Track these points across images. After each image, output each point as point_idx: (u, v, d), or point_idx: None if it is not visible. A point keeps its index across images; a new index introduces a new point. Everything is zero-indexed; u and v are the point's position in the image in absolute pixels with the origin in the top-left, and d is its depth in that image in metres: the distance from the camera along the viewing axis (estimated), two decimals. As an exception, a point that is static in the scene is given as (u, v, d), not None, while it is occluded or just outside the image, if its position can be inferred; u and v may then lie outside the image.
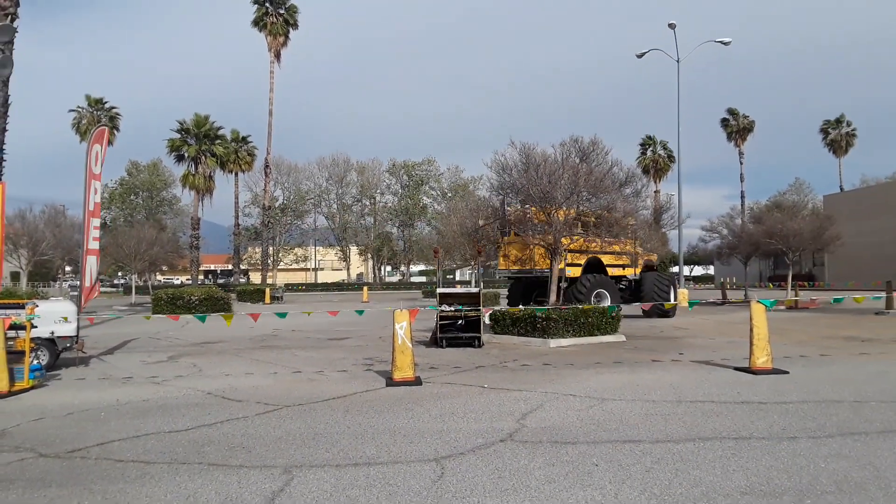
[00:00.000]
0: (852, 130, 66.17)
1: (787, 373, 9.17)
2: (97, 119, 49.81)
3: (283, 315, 12.13)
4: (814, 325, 17.18)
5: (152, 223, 55.40)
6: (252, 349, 13.50)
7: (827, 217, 30.74)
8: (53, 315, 10.56)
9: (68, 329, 10.82)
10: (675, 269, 33.52)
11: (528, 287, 21.25)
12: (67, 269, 57.36)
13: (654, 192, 60.23)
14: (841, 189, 62.95)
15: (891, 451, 5.22)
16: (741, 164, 64.71)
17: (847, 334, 14.81)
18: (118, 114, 52.24)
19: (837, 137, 65.74)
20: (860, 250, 38.08)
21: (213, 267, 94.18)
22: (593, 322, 13.74)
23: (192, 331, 17.84)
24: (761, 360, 9.36)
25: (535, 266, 19.68)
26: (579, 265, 20.37)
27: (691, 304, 14.33)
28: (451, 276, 76.38)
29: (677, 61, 32.69)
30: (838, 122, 66.09)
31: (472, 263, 38.18)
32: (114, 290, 67.85)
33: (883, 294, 21.68)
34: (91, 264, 12.47)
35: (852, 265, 40.50)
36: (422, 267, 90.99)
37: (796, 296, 25.70)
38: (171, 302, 25.06)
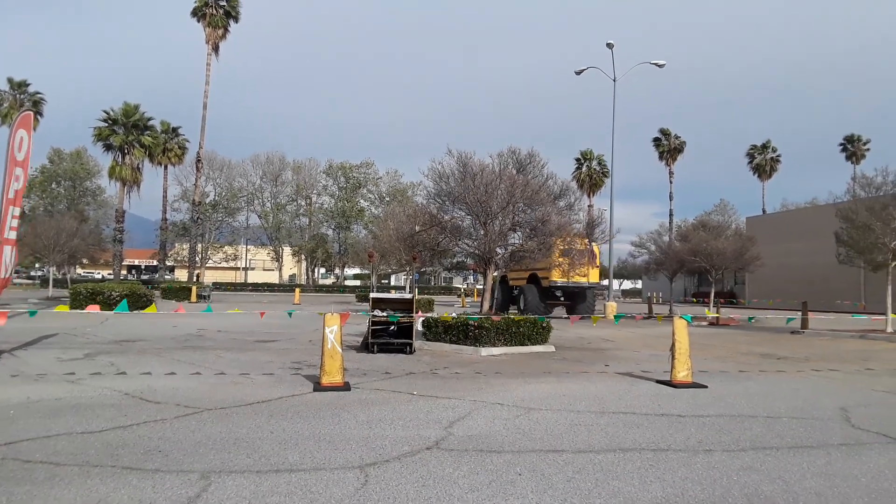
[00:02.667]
0: (777, 156, 69.56)
1: (706, 387, 9.50)
2: (20, 103, 47.56)
3: (208, 310, 11.76)
4: (733, 342, 17.86)
5: (74, 214, 53.13)
6: (174, 349, 13.07)
7: (749, 238, 32.04)
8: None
9: (-24, 322, 10.22)
10: (606, 282, 34.27)
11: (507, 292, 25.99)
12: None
13: (588, 206, 61.63)
14: (763, 211, 65.93)
15: (800, 466, 5.46)
16: (671, 182, 67.10)
17: (764, 351, 15.46)
18: (42, 98, 50.11)
19: (763, 162, 68.97)
20: (779, 271, 39.88)
21: (137, 262, 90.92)
22: (524, 332, 13.92)
23: (112, 328, 17.14)
24: (682, 373, 9.66)
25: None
26: (524, 278, 23.70)
27: (617, 317, 14.68)
28: (386, 281, 76.09)
29: (614, 80, 33.57)
30: (764, 147, 69.34)
31: (408, 269, 38.12)
32: (30, 282, 64.58)
33: (798, 314, 22.75)
34: (7, 255, 11.84)
35: (771, 285, 42.40)
36: (357, 270, 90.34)
37: (717, 312, 26.69)
38: (90, 297, 24.00)
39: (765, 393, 9.33)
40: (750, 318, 11.72)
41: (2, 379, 9.01)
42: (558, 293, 27.47)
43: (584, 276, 26.47)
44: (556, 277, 26.10)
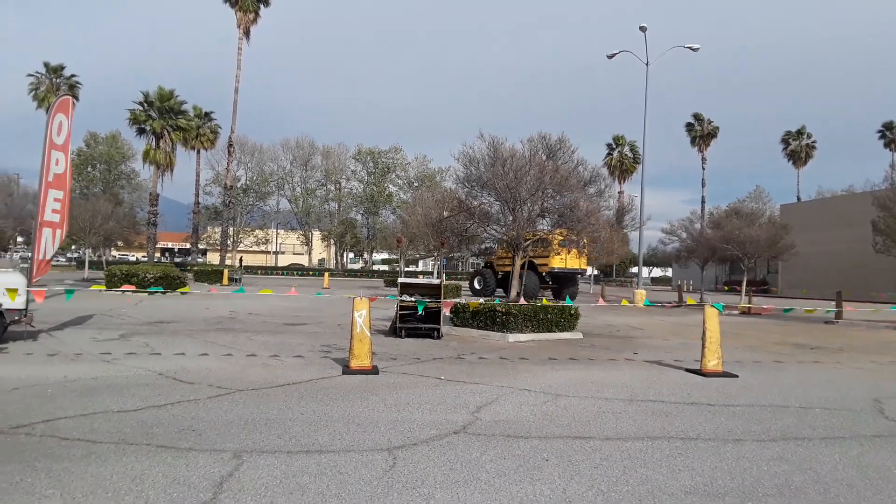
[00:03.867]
0: (812, 142, 68.02)
1: (736, 376, 9.40)
2: (56, 87, 48.42)
3: (241, 290, 11.87)
4: (765, 331, 17.62)
5: (109, 197, 53.97)
6: (207, 331, 13.30)
7: (783, 226, 31.45)
8: (1, 286, 10.24)
9: (17, 302, 10.49)
10: (635, 269, 34.09)
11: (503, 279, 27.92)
12: (20, 239, 55.66)
13: (619, 192, 61.06)
14: (798, 199, 64.65)
15: (831, 457, 5.39)
16: (703, 169, 65.98)
17: (797, 341, 15.22)
18: (78, 83, 50.91)
19: (797, 149, 67.50)
20: (813, 259, 39.16)
21: (170, 245, 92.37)
22: (552, 318, 13.88)
23: (146, 309, 17.49)
24: (712, 363, 9.57)
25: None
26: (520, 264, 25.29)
27: (647, 303, 14.56)
28: (414, 266, 76.34)
29: (646, 64, 33.08)
30: (799, 133, 67.82)
31: (436, 254, 38.23)
32: (67, 264, 66.08)
33: (833, 304, 22.33)
34: (47, 237, 12.11)
35: (805, 274, 41.66)
36: (385, 255, 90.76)
37: (750, 301, 26.32)
38: (125, 278, 24.47)
39: (797, 383, 9.20)
40: (787, 310, 11.51)
41: (40, 358, 9.27)
42: (549, 279, 30.61)
43: (577, 262, 29.87)
44: (556, 264, 29.45)
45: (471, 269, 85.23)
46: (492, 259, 31.70)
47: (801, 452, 5.52)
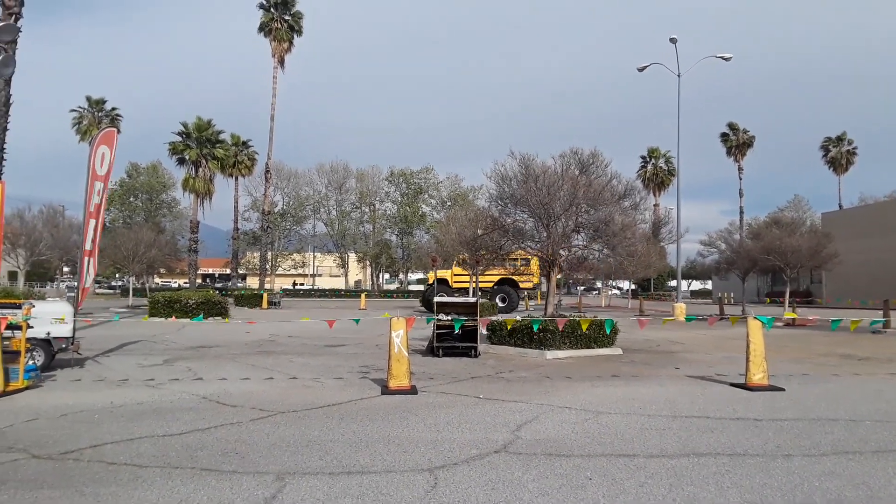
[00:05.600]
0: (853, 148, 66.42)
1: (782, 390, 9.17)
2: (98, 120, 49.95)
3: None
4: (810, 343, 17.17)
5: (151, 225, 55.31)
6: (248, 354, 13.47)
7: (825, 234, 30.72)
8: (50, 316, 10.54)
9: (65, 330, 10.79)
10: (673, 283, 33.58)
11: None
12: (65, 269, 57.29)
13: (654, 205, 60.32)
14: (840, 207, 63.08)
15: (885, 471, 5.21)
16: (740, 179, 64.89)
17: (844, 352, 14.80)
18: (119, 115, 52.46)
19: (838, 155, 65.96)
20: (857, 268, 38.10)
21: (210, 270, 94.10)
22: (590, 335, 13.73)
23: (189, 334, 17.80)
24: (757, 376, 9.36)
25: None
26: (491, 281, 32.84)
27: (689, 318, 14.31)
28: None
29: (678, 76, 32.81)
30: (839, 139, 66.32)
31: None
32: (111, 291, 67.68)
33: (881, 314, 21.66)
34: (88, 265, 12.46)
35: (849, 283, 40.53)
36: (420, 275, 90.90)
37: (794, 313, 25.69)
38: (168, 305, 24.97)
39: (846, 395, 8.93)
40: (834, 323, 11.17)
41: (87, 384, 9.49)
42: (522, 292, 35.67)
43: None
44: (537, 281, 34.36)
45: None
46: (444, 276, 34.64)
47: (853, 467, 5.35)
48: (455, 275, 34.16)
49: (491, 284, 34.13)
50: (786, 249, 27.58)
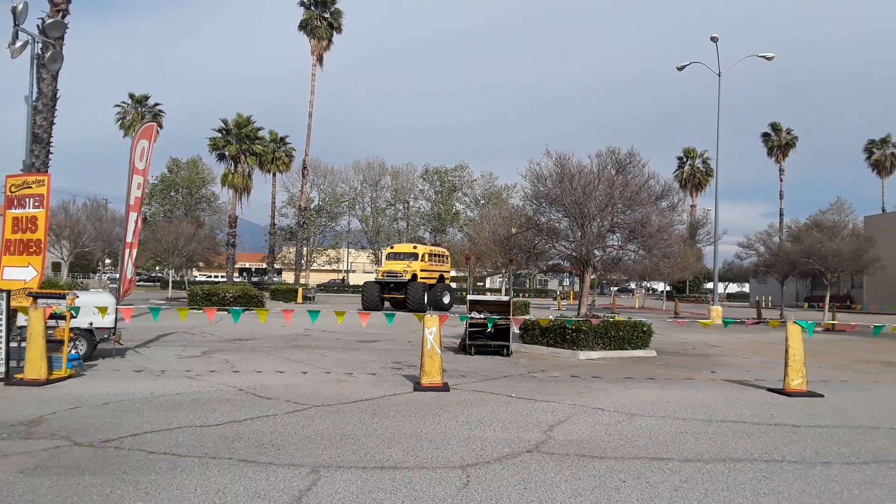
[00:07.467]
0: (898, 150, 64.48)
1: (822, 396, 8.98)
2: (141, 115, 50.93)
3: (313, 319, 12.15)
4: (851, 349, 16.77)
5: (191, 219, 56.27)
6: (283, 348, 13.66)
7: (867, 238, 29.87)
8: (93, 306, 10.82)
9: (107, 320, 11.07)
10: (709, 285, 33.07)
11: (381, 290, 30.21)
12: (107, 261, 58.64)
13: (691, 206, 59.39)
14: (883, 210, 61.30)
15: (929, 482, 5.08)
16: (781, 180, 63.46)
17: (885, 359, 14.43)
18: (161, 111, 53.33)
19: (882, 157, 64.15)
20: (900, 273, 36.97)
21: (248, 265, 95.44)
22: (624, 336, 13.61)
23: (226, 327, 18.10)
24: (796, 381, 9.18)
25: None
26: (434, 277, 32.70)
27: (726, 322, 14.08)
28: (482, 284, 76.23)
29: (718, 75, 32.25)
30: (883, 141, 64.48)
31: (504, 271, 38.30)
32: (151, 284, 69.13)
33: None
34: (130, 257, 12.76)
35: (892, 288, 39.36)
36: (453, 273, 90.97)
37: (833, 318, 25.11)
38: (206, 298, 25.47)
39: (887, 402, 8.71)
40: (877, 329, 10.86)
41: (127, 374, 9.73)
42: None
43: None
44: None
45: (538, 286, 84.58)
46: (394, 269, 32.27)
47: (895, 476, 5.22)
48: (422, 269, 32.17)
49: (434, 280, 33.03)
50: (826, 253, 26.91)
